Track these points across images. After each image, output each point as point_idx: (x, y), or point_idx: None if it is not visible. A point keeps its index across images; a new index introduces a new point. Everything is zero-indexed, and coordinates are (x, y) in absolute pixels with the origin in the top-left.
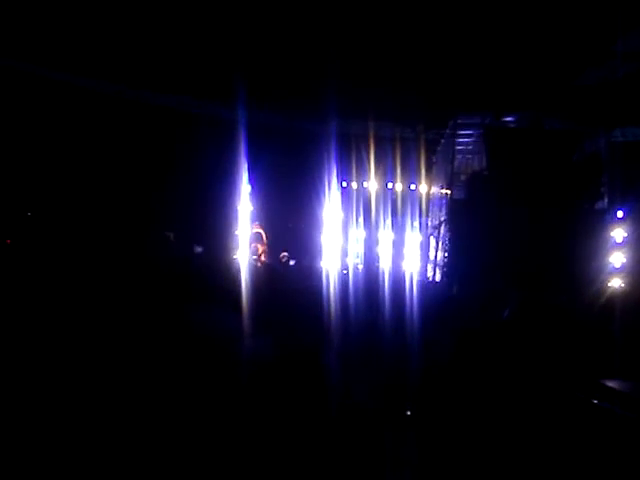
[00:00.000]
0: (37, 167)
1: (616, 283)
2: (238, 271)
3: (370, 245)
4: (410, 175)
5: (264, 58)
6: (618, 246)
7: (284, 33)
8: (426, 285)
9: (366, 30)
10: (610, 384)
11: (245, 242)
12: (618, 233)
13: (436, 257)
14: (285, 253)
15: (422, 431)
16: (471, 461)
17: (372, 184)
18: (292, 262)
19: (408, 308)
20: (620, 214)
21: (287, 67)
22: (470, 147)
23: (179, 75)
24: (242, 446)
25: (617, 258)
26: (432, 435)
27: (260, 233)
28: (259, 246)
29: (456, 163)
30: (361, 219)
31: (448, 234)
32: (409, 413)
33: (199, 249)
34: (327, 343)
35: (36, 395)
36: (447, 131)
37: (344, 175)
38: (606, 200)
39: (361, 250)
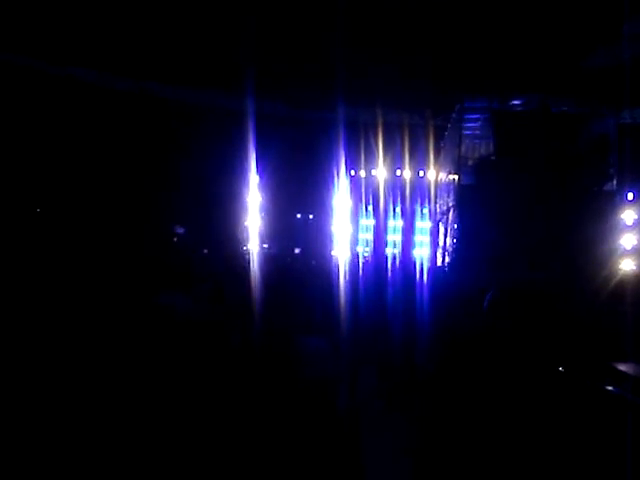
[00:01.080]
0: (45, 162)
1: (628, 265)
2: (248, 261)
3: (379, 233)
4: (418, 162)
5: (271, 47)
6: (629, 228)
7: (291, 21)
8: (435, 271)
9: (373, 17)
10: (622, 367)
11: (255, 232)
12: (628, 215)
13: (445, 243)
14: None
15: (431, 415)
16: (478, 450)
17: (380, 172)
18: (297, 250)
19: (418, 295)
20: (630, 196)
21: (294, 56)
22: (477, 132)
23: (186, 67)
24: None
25: (628, 240)
26: (440, 421)
27: None
28: None
29: (463, 148)
30: (370, 207)
31: (457, 220)
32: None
33: (209, 243)
34: (336, 330)
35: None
36: (454, 115)
37: (352, 163)
38: (615, 182)
39: (370, 238)
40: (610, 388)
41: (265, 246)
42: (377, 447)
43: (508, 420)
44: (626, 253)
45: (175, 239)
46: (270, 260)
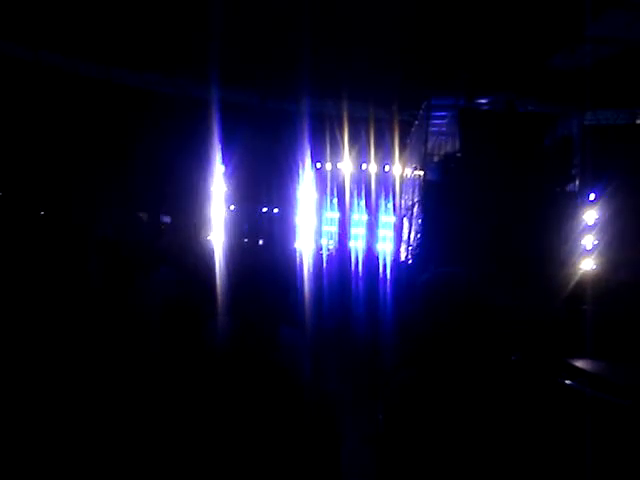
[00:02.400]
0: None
1: (587, 265)
2: (211, 252)
3: (344, 226)
4: (384, 156)
5: (237, 34)
6: (590, 228)
7: (258, 7)
8: (399, 266)
9: (342, 8)
10: (577, 363)
11: (219, 223)
12: (590, 215)
13: (409, 238)
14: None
15: (392, 416)
16: (441, 449)
17: (346, 165)
18: (260, 242)
19: (381, 289)
20: (592, 196)
21: (261, 44)
22: (443, 129)
23: (149, 52)
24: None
25: (589, 240)
26: (401, 420)
27: None
28: None
29: (429, 144)
30: (335, 200)
31: (421, 215)
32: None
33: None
34: (299, 325)
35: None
36: (421, 112)
37: (318, 156)
38: (578, 183)
39: (335, 231)
40: (567, 382)
41: (226, 236)
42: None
43: (463, 413)
44: (586, 253)
45: (138, 225)
46: (234, 251)
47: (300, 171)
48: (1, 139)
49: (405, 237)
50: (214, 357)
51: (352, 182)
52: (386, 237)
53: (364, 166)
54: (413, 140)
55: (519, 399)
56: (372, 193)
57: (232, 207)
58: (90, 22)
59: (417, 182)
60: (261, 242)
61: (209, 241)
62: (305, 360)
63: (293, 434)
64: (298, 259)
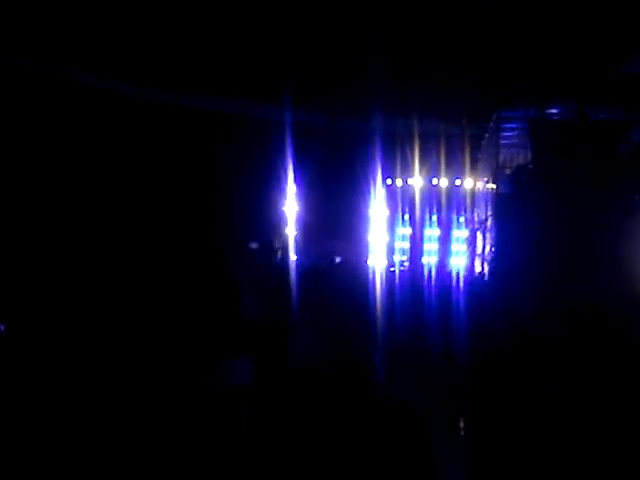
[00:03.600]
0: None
1: None
2: (287, 269)
3: (416, 242)
4: (455, 171)
5: (307, 56)
6: None
7: (327, 30)
8: (474, 281)
9: (408, 27)
10: None
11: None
12: None
13: (483, 252)
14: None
15: (472, 431)
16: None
17: (417, 180)
18: (338, 259)
19: (456, 304)
20: None
21: (331, 65)
22: (515, 141)
23: (220, 77)
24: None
25: None
26: (482, 435)
27: None
28: None
29: (501, 157)
30: (407, 216)
31: (495, 229)
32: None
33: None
34: (375, 342)
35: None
36: (491, 125)
37: (388, 172)
38: None
39: (407, 247)
40: None
41: (300, 256)
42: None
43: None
44: None
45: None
46: (311, 270)
47: (371, 188)
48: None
49: (479, 251)
50: (300, 372)
51: (423, 197)
52: (459, 252)
53: (435, 181)
54: (484, 153)
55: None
56: (444, 208)
57: (305, 226)
58: (167, 52)
59: (489, 195)
60: (338, 260)
61: (290, 264)
62: (387, 375)
63: (384, 447)
64: (372, 276)
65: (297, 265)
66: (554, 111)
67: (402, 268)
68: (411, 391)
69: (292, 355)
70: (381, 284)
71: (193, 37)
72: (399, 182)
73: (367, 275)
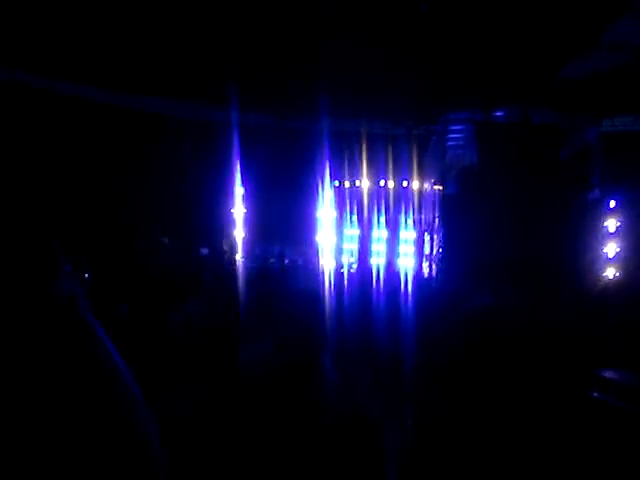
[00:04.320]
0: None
1: (610, 273)
2: (235, 273)
3: (364, 243)
4: (402, 172)
5: (253, 58)
6: (611, 236)
7: (274, 31)
8: (421, 281)
9: (357, 28)
10: (606, 374)
11: (240, 244)
12: (611, 223)
13: (431, 253)
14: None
15: (420, 430)
16: (467, 459)
17: (364, 182)
18: (286, 261)
19: (404, 306)
20: (612, 204)
21: (277, 66)
22: (461, 143)
23: (166, 78)
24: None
25: (611, 248)
26: (430, 434)
27: None
28: None
29: (447, 159)
30: (355, 217)
31: (441, 230)
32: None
33: (200, 252)
34: (324, 343)
35: None
36: (438, 127)
37: (336, 174)
38: (598, 191)
39: (355, 248)
40: (595, 395)
41: (244, 258)
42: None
43: (498, 429)
44: (609, 261)
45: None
46: (260, 273)
47: (320, 190)
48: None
49: (427, 252)
50: (253, 379)
51: (371, 199)
52: (407, 253)
53: (382, 182)
54: (431, 155)
55: (553, 412)
56: (391, 209)
57: (252, 227)
58: (102, 48)
59: (436, 197)
60: (287, 262)
61: (239, 266)
62: (339, 378)
63: (335, 449)
64: (321, 278)
65: (245, 268)
66: (499, 114)
67: (351, 270)
68: (362, 394)
69: (243, 361)
70: (330, 286)
71: (132, 35)
72: (347, 183)
73: (316, 277)
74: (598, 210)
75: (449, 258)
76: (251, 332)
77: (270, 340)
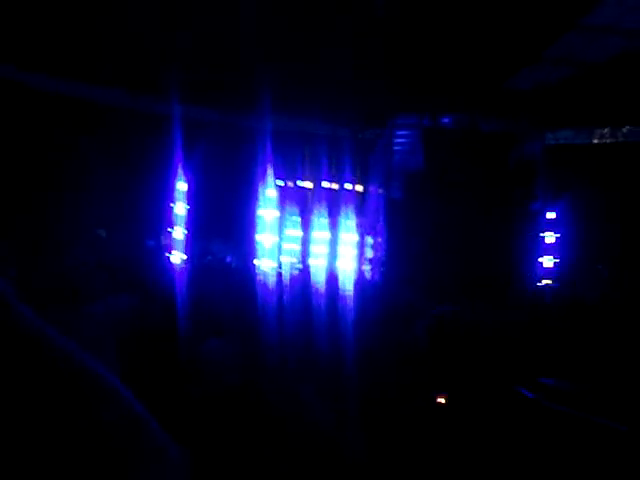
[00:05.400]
0: None
1: (548, 283)
2: (174, 270)
3: (306, 244)
4: (346, 174)
5: (196, 49)
6: (550, 247)
7: (217, 22)
8: (363, 285)
9: (302, 25)
10: (546, 382)
11: (181, 240)
12: (550, 235)
13: (374, 257)
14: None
15: (369, 435)
16: (410, 463)
17: (308, 183)
18: (228, 259)
19: (345, 309)
20: (552, 215)
21: (220, 59)
22: (407, 147)
23: (108, 67)
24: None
25: (549, 259)
26: (378, 440)
27: None
28: None
29: (393, 163)
30: (297, 218)
31: (385, 233)
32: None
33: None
34: (261, 346)
35: None
36: (385, 131)
37: (281, 173)
38: (540, 202)
39: (296, 249)
40: (537, 400)
41: (183, 254)
42: None
43: (445, 432)
44: (547, 272)
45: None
46: (198, 272)
47: (262, 189)
48: None
49: (368, 255)
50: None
51: (314, 200)
52: (349, 255)
53: (326, 184)
54: (377, 158)
55: (495, 416)
56: (334, 211)
57: (194, 223)
58: (43, 32)
59: (380, 200)
60: (227, 260)
61: (173, 262)
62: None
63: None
64: (261, 278)
65: (183, 265)
66: (447, 120)
67: (292, 271)
68: (306, 406)
69: (187, 364)
70: (270, 286)
71: (81, 24)
72: (290, 183)
73: (255, 277)
74: (538, 221)
75: (390, 262)
76: (192, 333)
77: (214, 342)
